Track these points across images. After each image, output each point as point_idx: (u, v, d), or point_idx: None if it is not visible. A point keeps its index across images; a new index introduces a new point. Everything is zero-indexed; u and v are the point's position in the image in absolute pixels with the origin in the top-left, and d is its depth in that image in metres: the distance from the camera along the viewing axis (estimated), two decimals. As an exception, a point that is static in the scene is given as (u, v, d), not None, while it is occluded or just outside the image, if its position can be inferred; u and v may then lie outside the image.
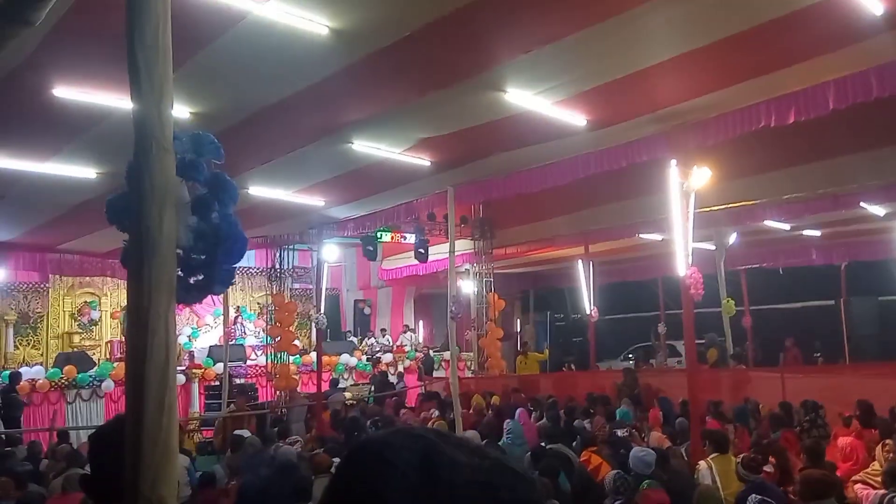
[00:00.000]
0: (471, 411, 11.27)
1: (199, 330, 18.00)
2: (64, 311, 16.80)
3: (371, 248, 14.90)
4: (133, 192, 1.78)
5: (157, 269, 1.72)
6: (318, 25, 5.34)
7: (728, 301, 15.06)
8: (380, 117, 7.64)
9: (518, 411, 9.93)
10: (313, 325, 14.98)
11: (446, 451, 0.76)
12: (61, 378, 13.17)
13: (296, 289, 18.21)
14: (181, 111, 6.74)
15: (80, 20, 4.95)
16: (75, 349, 15.95)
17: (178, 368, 13.45)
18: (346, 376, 16.53)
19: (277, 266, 15.71)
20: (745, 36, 5.80)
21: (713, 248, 14.76)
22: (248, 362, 16.10)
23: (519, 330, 22.42)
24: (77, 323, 16.90)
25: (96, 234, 12.07)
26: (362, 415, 10.99)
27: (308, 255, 16.91)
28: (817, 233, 15.05)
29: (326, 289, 14.27)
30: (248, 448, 8.26)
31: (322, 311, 13.28)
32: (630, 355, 20.91)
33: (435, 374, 17.11)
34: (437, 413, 11.16)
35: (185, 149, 1.90)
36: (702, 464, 6.37)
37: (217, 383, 14.39)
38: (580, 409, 10.14)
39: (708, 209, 9.88)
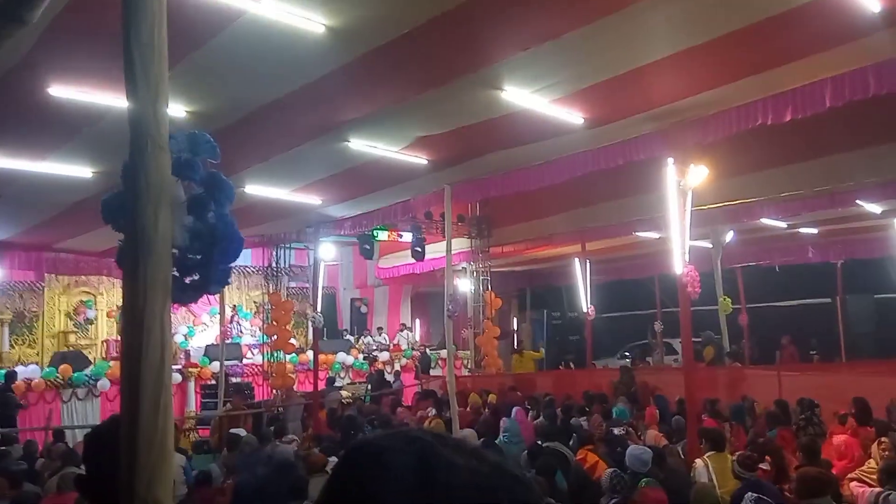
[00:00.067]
0: (467, 409, 11.28)
1: (195, 328, 17.96)
2: (60, 311, 16.74)
3: (368, 247, 14.89)
4: (129, 192, 1.77)
5: (153, 268, 1.71)
6: (314, 24, 5.33)
7: (725, 299, 15.07)
8: (376, 116, 7.62)
9: (515, 409, 9.94)
10: (310, 323, 14.98)
11: (443, 454, 0.75)
12: (57, 377, 13.12)
13: (292, 287, 18.15)
14: (177, 110, 6.74)
15: (76, 19, 4.92)
16: (71, 348, 15.90)
17: (175, 367, 13.44)
18: (342, 375, 16.55)
19: (274, 265, 15.68)
20: (742, 33, 5.79)
21: (710, 245, 14.79)
22: (245, 361, 16.09)
23: (516, 328, 22.43)
24: (73, 322, 16.85)
25: (92, 234, 12.01)
26: (359, 413, 11.00)
27: (305, 254, 16.87)
28: (814, 230, 15.06)
29: (323, 287, 14.25)
30: (245, 447, 8.26)
31: (319, 309, 13.27)
32: (627, 353, 20.87)
33: (432, 372, 17.13)
34: (433, 411, 11.17)
35: (180, 148, 1.88)
36: (698, 462, 6.38)
37: (213, 382, 14.36)
38: (577, 407, 10.13)
39: (705, 207, 9.87)
